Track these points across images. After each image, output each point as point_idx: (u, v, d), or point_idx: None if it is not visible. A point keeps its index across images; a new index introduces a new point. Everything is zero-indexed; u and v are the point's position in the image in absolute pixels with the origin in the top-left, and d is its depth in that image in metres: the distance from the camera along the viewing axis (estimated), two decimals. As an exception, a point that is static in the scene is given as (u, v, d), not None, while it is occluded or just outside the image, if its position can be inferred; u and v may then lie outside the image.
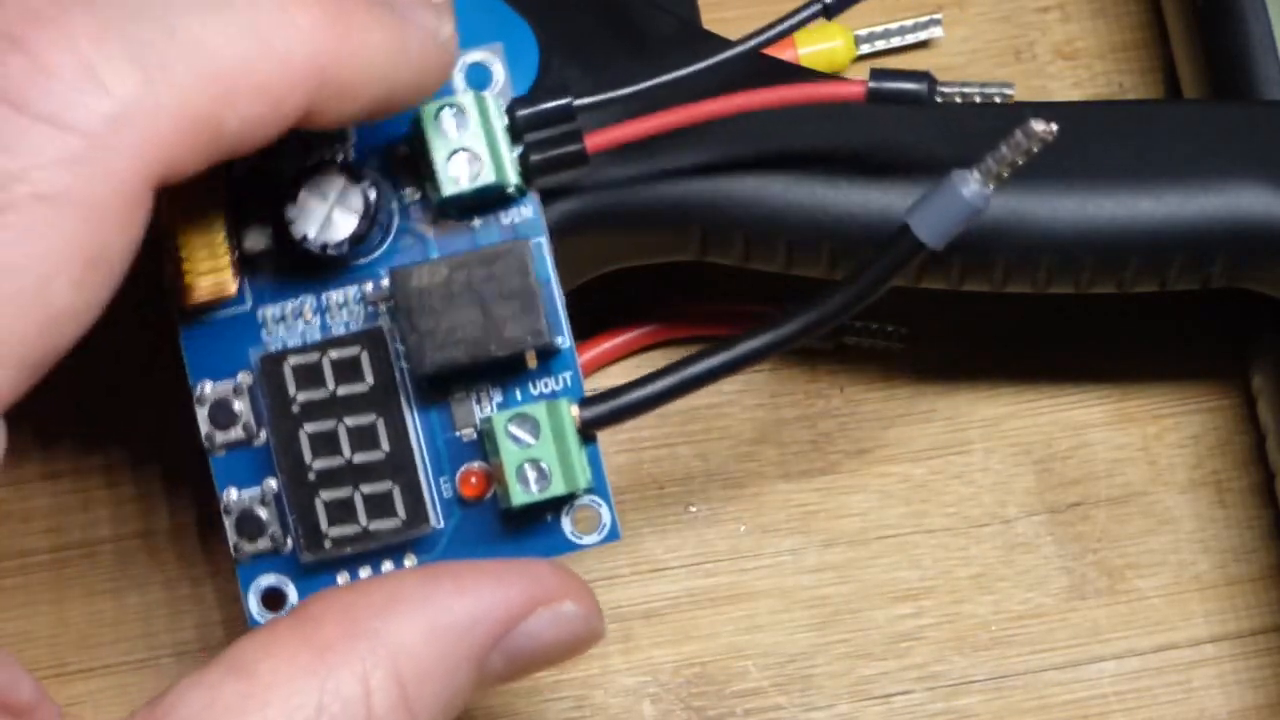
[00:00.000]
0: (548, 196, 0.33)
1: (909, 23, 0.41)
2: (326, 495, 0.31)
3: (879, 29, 0.41)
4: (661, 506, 0.38)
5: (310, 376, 0.31)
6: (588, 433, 0.31)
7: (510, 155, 0.31)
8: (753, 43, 0.32)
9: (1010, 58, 0.41)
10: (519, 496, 0.30)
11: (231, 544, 0.31)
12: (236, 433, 0.31)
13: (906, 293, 0.36)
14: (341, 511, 0.31)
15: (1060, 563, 0.38)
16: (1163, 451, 0.39)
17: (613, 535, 0.31)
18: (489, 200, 0.31)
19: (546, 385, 0.31)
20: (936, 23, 0.41)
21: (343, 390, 0.31)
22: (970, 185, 0.29)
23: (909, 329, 0.39)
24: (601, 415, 0.30)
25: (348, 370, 0.31)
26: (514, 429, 0.30)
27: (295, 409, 0.31)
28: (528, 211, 0.32)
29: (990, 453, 0.39)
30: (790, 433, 0.39)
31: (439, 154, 0.30)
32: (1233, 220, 0.34)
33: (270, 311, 0.32)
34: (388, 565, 0.31)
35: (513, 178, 0.31)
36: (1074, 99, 0.41)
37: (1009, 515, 0.38)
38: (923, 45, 0.41)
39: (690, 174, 0.34)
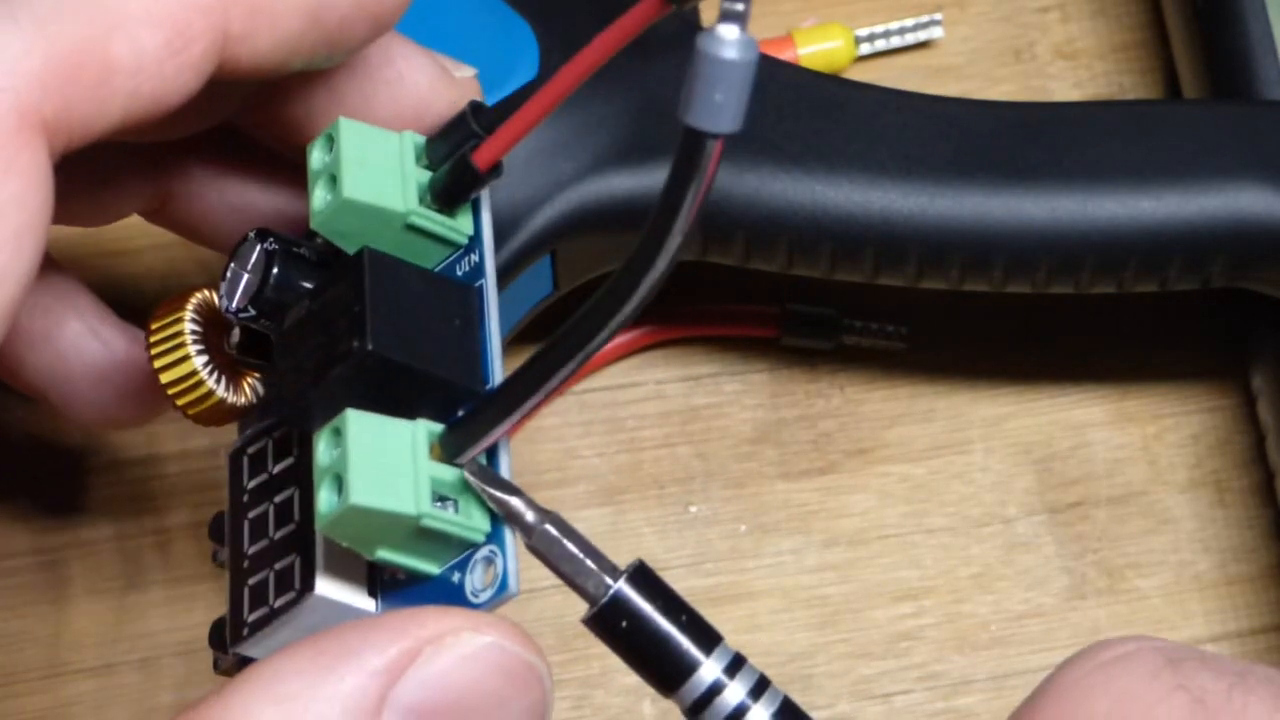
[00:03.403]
0: (541, 199, 0.32)
1: (909, 23, 0.41)
2: (252, 580, 0.28)
3: (879, 29, 0.41)
4: (661, 506, 0.38)
5: (260, 462, 0.29)
6: (456, 461, 0.26)
7: (412, 184, 0.28)
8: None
9: (1010, 58, 0.41)
10: (321, 508, 0.26)
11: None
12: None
13: (906, 293, 0.36)
14: (259, 594, 0.28)
15: (1060, 563, 0.38)
16: (1163, 451, 0.39)
17: (506, 588, 0.26)
18: (430, 243, 0.28)
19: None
20: (937, 23, 0.41)
21: (277, 468, 0.29)
22: (726, 40, 0.22)
23: (909, 329, 0.39)
24: (457, 440, 0.26)
25: (283, 448, 0.29)
26: (333, 443, 0.26)
27: (245, 498, 0.29)
28: (474, 259, 0.29)
29: (990, 453, 0.39)
30: (790, 433, 0.39)
31: (311, 184, 0.28)
32: (1233, 220, 0.34)
33: None
34: None
35: (401, 204, 0.28)
36: (1074, 99, 0.41)
37: (1009, 515, 0.38)
38: (923, 45, 0.41)
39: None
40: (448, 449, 0.26)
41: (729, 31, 0.22)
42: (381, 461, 0.26)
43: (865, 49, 0.41)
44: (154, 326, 0.29)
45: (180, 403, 0.29)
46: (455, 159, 0.28)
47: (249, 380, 0.29)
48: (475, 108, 0.28)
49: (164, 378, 0.29)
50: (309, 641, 0.24)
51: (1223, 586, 0.38)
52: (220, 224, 0.31)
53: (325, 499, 0.25)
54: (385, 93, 0.29)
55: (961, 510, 0.38)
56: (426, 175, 0.28)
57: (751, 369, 0.39)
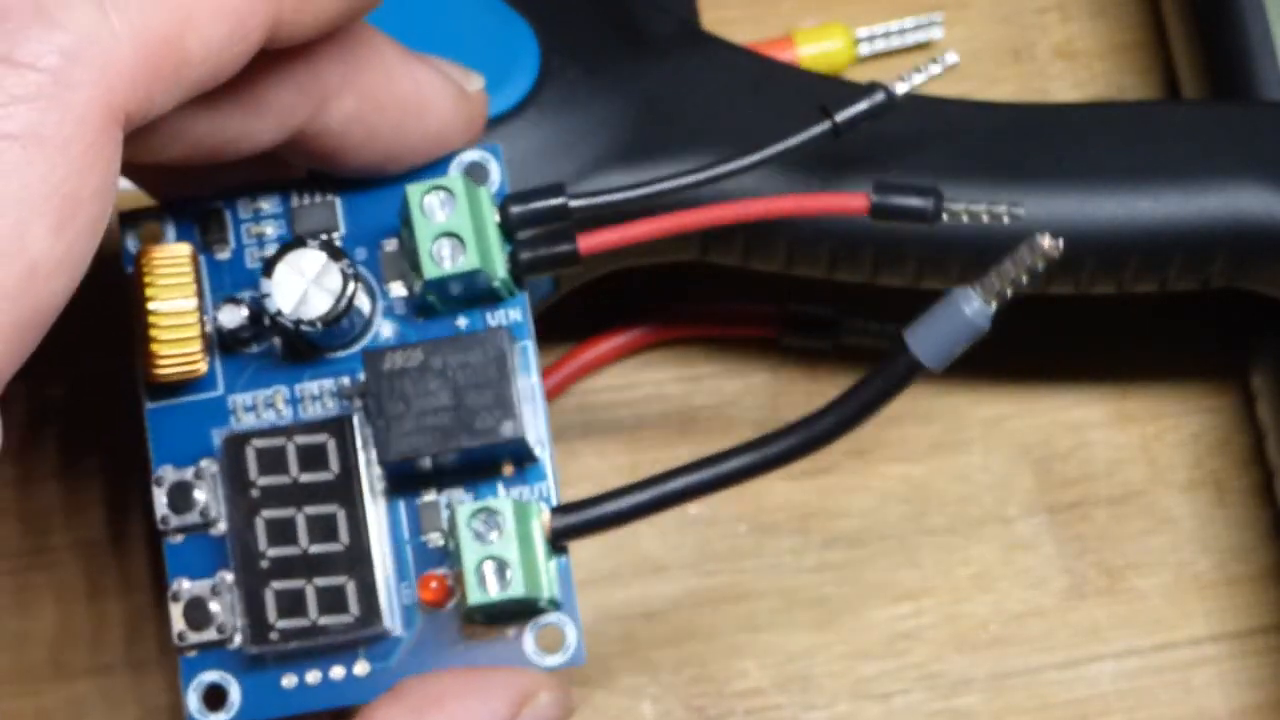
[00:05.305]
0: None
1: (909, 22, 0.41)
2: (278, 585, 0.29)
3: (879, 29, 0.41)
4: (661, 506, 0.38)
5: (273, 461, 0.30)
6: (558, 544, 0.29)
7: (500, 248, 0.30)
8: (761, 155, 0.31)
9: (1010, 58, 0.41)
10: (476, 595, 0.28)
11: (175, 632, 0.30)
12: (193, 518, 0.30)
13: (906, 293, 0.36)
14: (291, 603, 0.29)
15: (1060, 563, 0.38)
16: (1163, 451, 0.39)
17: (576, 659, 0.30)
18: (476, 297, 0.30)
19: (521, 495, 0.30)
20: (937, 23, 0.41)
21: (305, 478, 0.30)
22: (973, 303, 0.27)
23: (909, 329, 0.39)
24: (573, 525, 0.29)
25: (312, 457, 0.30)
26: (477, 524, 0.28)
27: (254, 493, 0.30)
28: (516, 314, 0.30)
29: (990, 453, 0.39)
30: (790, 433, 0.39)
31: (423, 235, 0.29)
32: (1232, 220, 0.34)
33: (241, 399, 0.31)
34: (337, 669, 0.30)
35: (500, 270, 0.30)
36: (1074, 99, 0.41)
37: (1009, 515, 0.38)
38: (923, 45, 0.41)
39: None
40: (558, 533, 0.29)
41: (989, 307, 0.27)
42: (527, 548, 0.29)
43: (865, 49, 0.41)
44: (153, 295, 0.30)
45: (163, 369, 0.30)
46: (559, 254, 0.30)
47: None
48: (570, 193, 0.30)
49: (164, 349, 0.30)
50: (451, 678, 0.29)
51: (1222, 586, 0.38)
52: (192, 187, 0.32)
53: (476, 580, 0.28)
54: (417, 125, 0.30)
55: (961, 510, 0.38)
56: (501, 235, 0.30)
57: (751, 369, 0.39)
